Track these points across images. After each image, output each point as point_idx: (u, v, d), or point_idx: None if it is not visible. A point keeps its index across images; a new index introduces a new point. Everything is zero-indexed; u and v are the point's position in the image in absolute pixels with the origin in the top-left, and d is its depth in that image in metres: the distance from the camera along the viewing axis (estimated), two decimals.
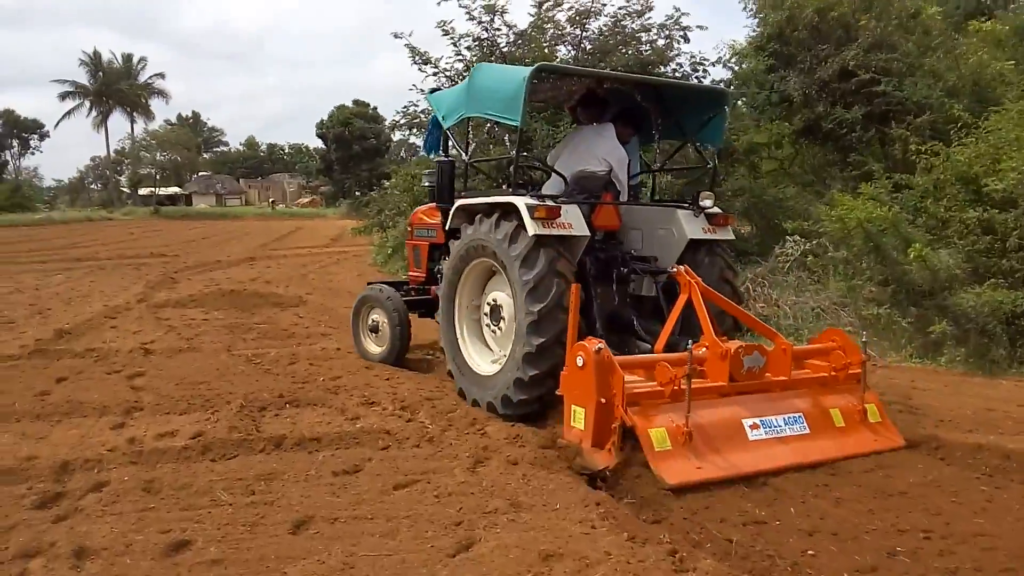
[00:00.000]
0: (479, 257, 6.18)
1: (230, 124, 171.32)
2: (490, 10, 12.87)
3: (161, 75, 69.54)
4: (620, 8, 13.31)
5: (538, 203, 5.63)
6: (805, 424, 5.05)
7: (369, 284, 8.44)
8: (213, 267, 18.66)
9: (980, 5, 17.56)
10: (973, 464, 4.97)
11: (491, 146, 12.35)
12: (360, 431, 5.52)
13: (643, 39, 13.00)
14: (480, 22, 12.90)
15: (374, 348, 7.99)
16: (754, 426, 4.87)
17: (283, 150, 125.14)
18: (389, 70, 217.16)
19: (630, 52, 12.92)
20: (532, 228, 5.51)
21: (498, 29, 13.00)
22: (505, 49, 12.91)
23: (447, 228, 6.80)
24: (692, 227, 6.38)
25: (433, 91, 7.87)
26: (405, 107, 15.37)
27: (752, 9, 15.76)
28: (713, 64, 13.26)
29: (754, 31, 15.37)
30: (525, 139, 11.74)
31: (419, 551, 3.65)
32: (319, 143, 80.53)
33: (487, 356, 6.38)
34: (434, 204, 7.70)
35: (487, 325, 6.34)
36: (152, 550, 3.65)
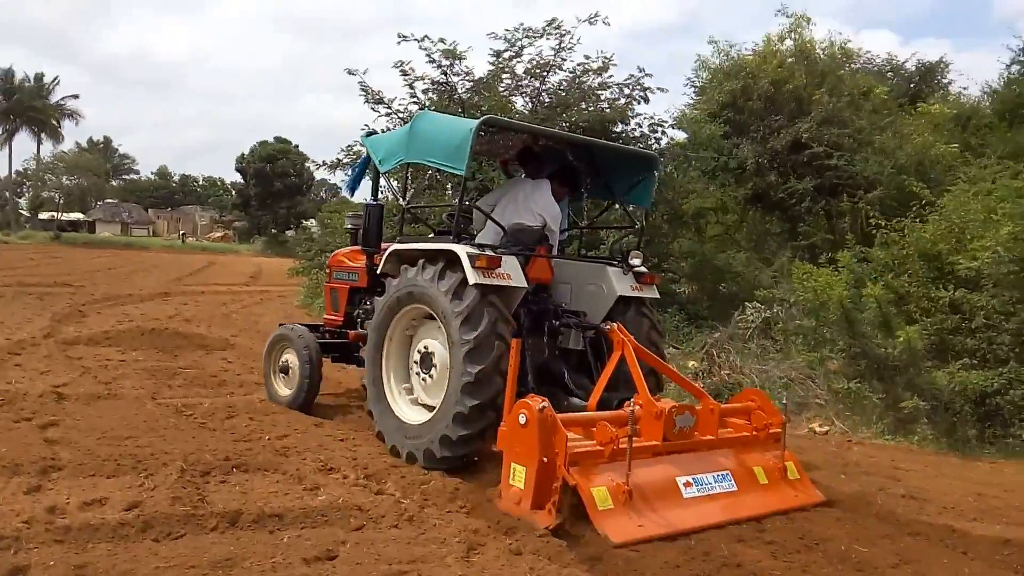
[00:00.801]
0: (414, 303, 6.09)
1: (143, 152, 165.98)
2: (449, 55, 12.49)
3: (75, 96, 66.60)
4: (579, 64, 13.16)
5: (479, 252, 5.64)
6: (733, 482, 5.18)
7: (281, 325, 8.11)
8: (124, 301, 17.30)
9: (915, 90, 18.40)
10: (1002, 561, 4.64)
11: (424, 192, 12.02)
12: (326, 506, 4.80)
13: (602, 96, 12.83)
14: (439, 66, 12.50)
15: (283, 391, 7.64)
16: (687, 484, 4.97)
17: (197, 182, 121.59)
18: (310, 110, 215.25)
19: (589, 108, 12.73)
20: (473, 277, 5.50)
21: (457, 74, 12.63)
22: (464, 96, 12.51)
23: (379, 271, 6.65)
24: (621, 284, 6.53)
25: (369, 134, 7.81)
26: (349, 146, 14.76)
27: (695, 81, 16.03)
28: (671, 127, 13.20)
29: (692, 100, 15.56)
30: (481, 187, 11.41)
31: None
32: (235, 177, 78.74)
33: (418, 410, 6.19)
34: (357, 247, 7.73)
35: (416, 372, 6.21)
36: None
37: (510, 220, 6.63)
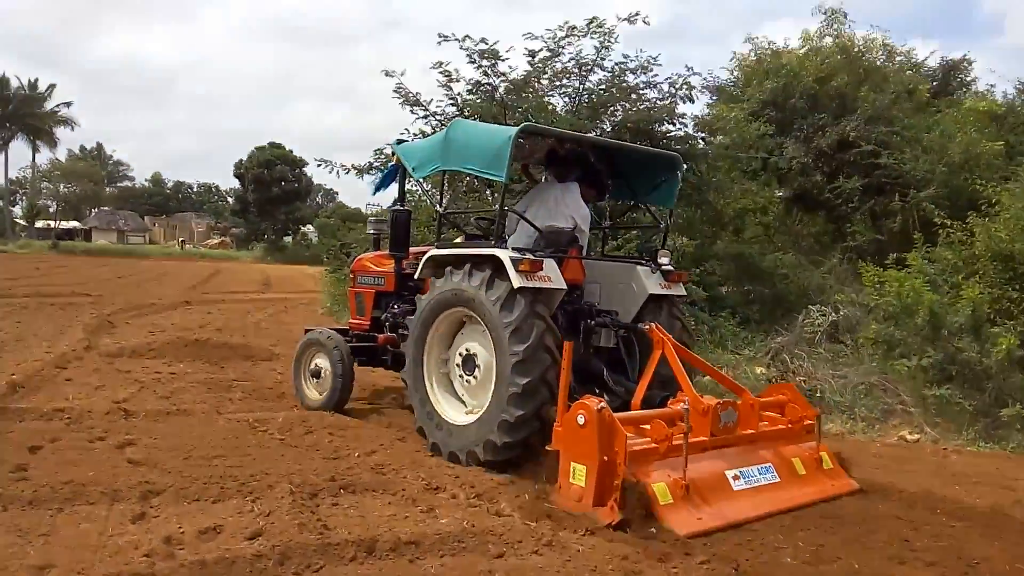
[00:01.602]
0: (454, 307, 6.18)
1: (134, 159, 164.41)
2: (490, 55, 12.19)
3: (68, 104, 65.91)
4: (618, 64, 12.87)
5: (522, 256, 5.75)
6: (775, 473, 5.38)
7: (308, 330, 8.21)
8: (147, 311, 16.92)
9: (938, 88, 18.17)
10: None
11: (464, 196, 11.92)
12: (458, 531, 4.48)
13: (646, 96, 12.55)
14: (480, 67, 12.20)
15: (314, 395, 7.68)
16: (735, 477, 5.16)
17: (191, 188, 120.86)
18: (301, 116, 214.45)
19: (631, 109, 12.47)
20: (517, 281, 5.62)
21: (497, 75, 12.31)
22: (505, 97, 12.19)
23: (416, 276, 6.84)
24: (651, 283, 6.67)
25: (399, 142, 7.96)
26: (378, 150, 14.43)
27: (721, 81, 15.79)
28: (714, 130, 12.91)
29: (710, 100, 15.23)
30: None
31: None
32: (229, 183, 78.23)
33: (459, 407, 6.33)
34: (381, 252, 8.11)
35: (459, 376, 6.33)
36: None
37: (543, 223, 6.74)
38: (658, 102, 12.37)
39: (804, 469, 5.54)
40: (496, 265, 5.79)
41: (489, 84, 12.23)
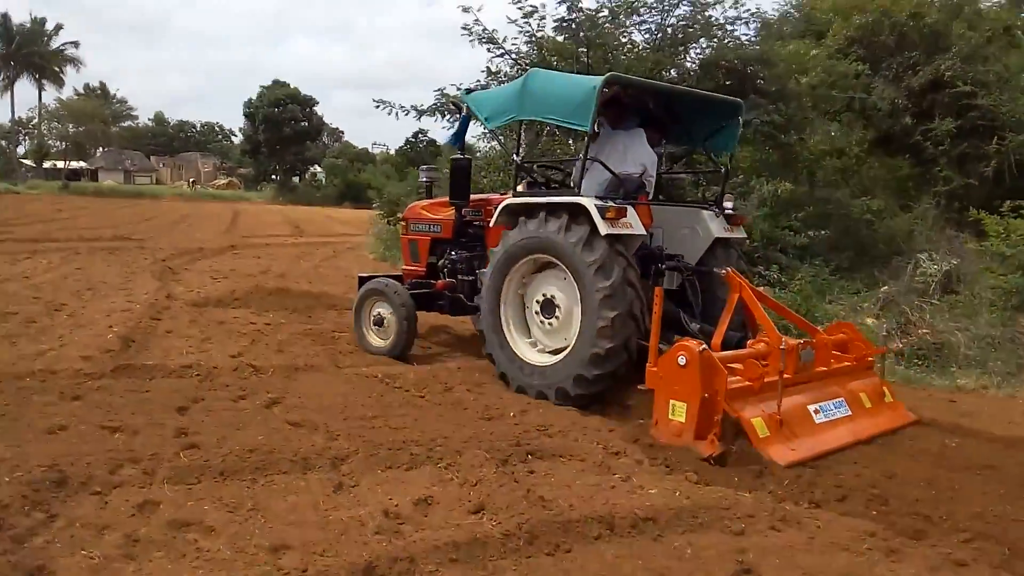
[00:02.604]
0: (533, 253, 6.38)
1: (133, 98, 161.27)
2: None
3: (75, 43, 64.20)
4: None
5: (606, 204, 5.93)
6: (847, 407, 5.71)
7: (361, 277, 8.32)
8: (197, 255, 16.54)
9: None
10: None
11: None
12: (688, 505, 4.21)
13: (734, 32, 11.95)
14: (564, 1, 11.55)
15: (378, 342, 7.75)
16: (816, 411, 5.47)
17: (194, 128, 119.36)
18: (303, 53, 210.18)
19: (717, 45, 11.89)
20: (604, 228, 5.81)
21: (586, 9, 11.67)
22: (589, 33, 11.59)
23: (491, 224, 6.91)
24: (716, 227, 6.80)
25: (468, 91, 8.14)
26: (440, 89, 13.85)
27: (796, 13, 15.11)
28: (803, 69, 12.32)
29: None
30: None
31: None
32: (232, 123, 77.18)
33: (533, 347, 6.58)
34: (436, 199, 8.40)
35: (538, 317, 6.52)
36: None
37: (615, 170, 6.78)
38: (749, 40, 11.76)
39: (870, 402, 5.91)
40: (572, 211, 6.02)
41: (573, 21, 11.59)
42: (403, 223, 8.77)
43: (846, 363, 6.14)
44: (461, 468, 4.57)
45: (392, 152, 67.73)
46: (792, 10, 16.44)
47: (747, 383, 5.21)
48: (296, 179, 78.38)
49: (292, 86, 73.58)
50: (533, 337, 6.63)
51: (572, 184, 6.98)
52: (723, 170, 7.54)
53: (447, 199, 7.78)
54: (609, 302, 5.80)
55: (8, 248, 15.82)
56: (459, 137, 8.08)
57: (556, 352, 6.33)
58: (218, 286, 11.66)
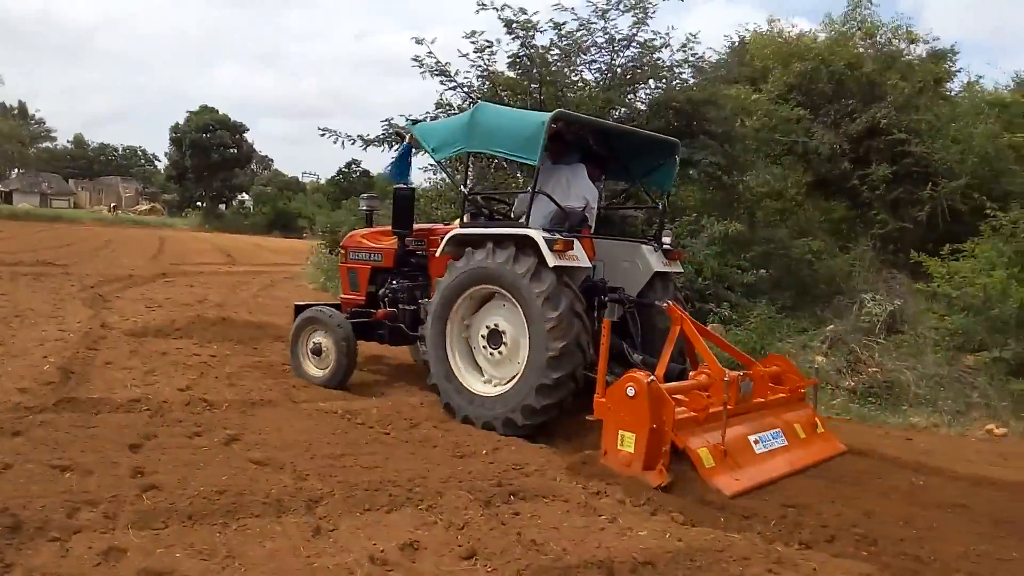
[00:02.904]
0: (479, 284, 6.41)
1: (52, 119, 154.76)
2: (526, 27, 11.61)
3: None
4: (649, 40, 12.41)
5: (554, 236, 6.08)
6: (784, 437, 5.89)
7: (298, 306, 8.22)
8: (128, 283, 15.85)
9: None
10: None
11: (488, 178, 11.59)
12: (684, 545, 4.12)
13: (682, 75, 12.20)
14: (517, 37, 11.60)
15: (315, 371, 7.63)
16: (756, 441, 5.63)
17: (116, 151, 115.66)
18: (230, 79, 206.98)
19: (663, 85, 12.12)
20: (552, 260, 5.92)
21: (532, 47, 11.74)
22: (543, 70, 11.64)
23: (438, 254, 6.87)
24: (655, 260, 7.03)
25: (415, 122, 8.15)
26: (387, 119, 13.66)
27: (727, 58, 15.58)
28: (745, 112, 12.67)
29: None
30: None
31: None
32: (155, 147, 75.25)
33: (479, 377, 6.59)
34: (377, 228, 8.43)
35: (485, 347, 6.54)
36: None
37: (561, 203, 6.86)
38: (698, 82, 12.02)
39: (804, 433, 6.12)
40: (519, 243, 6.10)
41: (526, 56, 11.65)
42: (342, 251, 8.72)
43: (781, 395, 6.35)
44: (444, 510, 4.39)
45: (323, 182, 66.96)
46: (725, 57, 16.99)
47: (692, 414, 5.36)
48: (223, 206, 76.53)
49: (220, 112, 72.29)
50: (480, 367, 6.64)
51: (514, 216, 7.17)
52: (660, 206, 7.78)
53: (388, 228, 7.80)
54: (557, 332, 5.87)
55: None
56: (401, 166, 8.00)
57: (503, 382, 6.35)
58: (155, 315, 11.16)
